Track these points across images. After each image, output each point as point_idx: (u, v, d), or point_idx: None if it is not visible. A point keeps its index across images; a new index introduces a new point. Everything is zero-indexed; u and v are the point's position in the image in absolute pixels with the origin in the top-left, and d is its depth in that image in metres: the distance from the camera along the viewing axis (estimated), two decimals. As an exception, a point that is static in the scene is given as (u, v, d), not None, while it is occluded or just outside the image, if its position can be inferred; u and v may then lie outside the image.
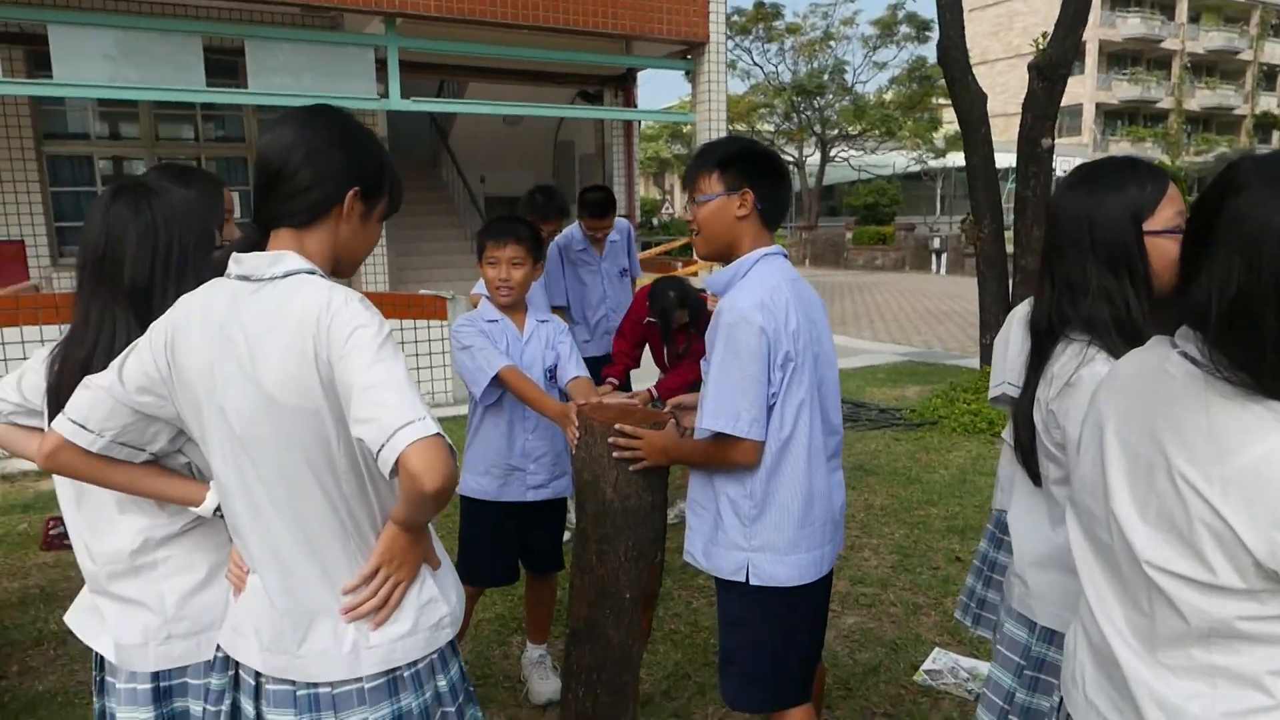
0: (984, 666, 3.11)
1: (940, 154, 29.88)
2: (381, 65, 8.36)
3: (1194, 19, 42.91)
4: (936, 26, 7.41)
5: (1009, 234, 7.51)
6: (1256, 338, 0.98)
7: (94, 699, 1.72)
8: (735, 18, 26.64)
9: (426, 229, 12.55)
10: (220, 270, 1.43)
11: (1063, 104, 7.09)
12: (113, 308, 1.58)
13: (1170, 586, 1.04)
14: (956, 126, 7.70)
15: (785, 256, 2.04)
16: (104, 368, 1.47)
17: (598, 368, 4.00)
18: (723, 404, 1.86)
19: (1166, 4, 42.21)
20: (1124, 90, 41.75)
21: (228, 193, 2.00)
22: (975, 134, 7.22)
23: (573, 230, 4.55)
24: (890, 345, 11.21)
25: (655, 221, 30.97)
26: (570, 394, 2.64)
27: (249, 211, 1.46)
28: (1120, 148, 38.71)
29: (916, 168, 31.49)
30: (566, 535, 3.17)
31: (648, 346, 4.50)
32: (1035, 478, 1.71)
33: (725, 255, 2.03)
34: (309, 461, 1.34)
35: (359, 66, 8.32)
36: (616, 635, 2.21)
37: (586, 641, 2.25)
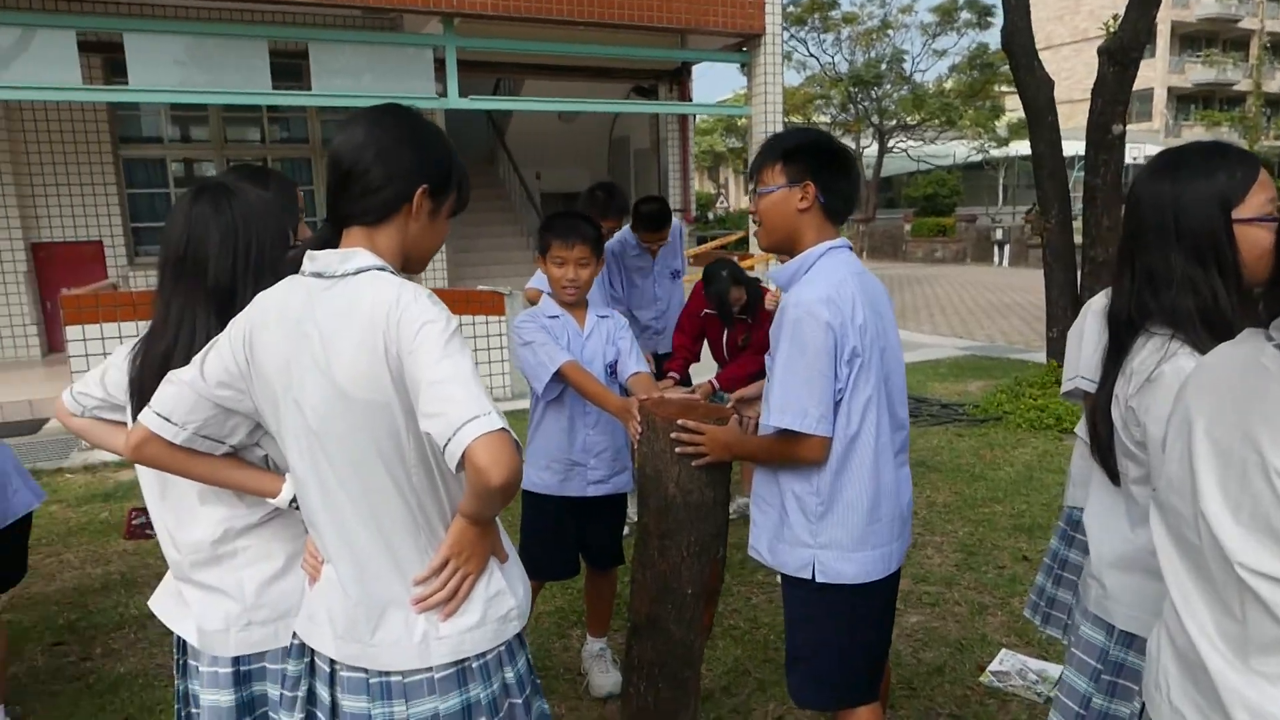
0: (1054, 669, 3.03)
1: (1003, 143, 29.12)
2: (440, 64, 8.49)
3: (1273, -4, 41.06)
4: (999, 11, 7.22)
5: (1076, 224, 7.29)
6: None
7: (176, 680, 1.78)
8: (791, 8, 26.32)
9: (484, 226, 12.71)
10: (295, 268, 1.47)
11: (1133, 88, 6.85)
12: (193, 305, 1.63)
13: (1265, 590, 1.00)
14: (1020, 114, 7.51)
15: (850, 249, 2.01)
16: (184, 363, 1.52)
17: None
18: (789, 400, 1.84)
19: (1244, -18, 40.46)
20: (1198, 73, 40.14)
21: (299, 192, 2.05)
22: (1041, 121, 7.02)
23: (626, 235, 4.52)
24: (951, 339, 10.98)
25: (710, 216, 30.83)
26: (631, 389, 2.64)
27: (311, 210, 1.49)
28: (1193, 133, 37.28)
29: (978, 157, 30.76)
30: (625, 530, 3.19)
31: (706, 341, 4.49)
32: (1114, 476, 1.65)
33: (787, 248, 2.01)
34: (381, 455, 1.36)
35: (418, 66, 8.47)
36: (678, 631, 2.21)
37: (648, 636, 2.25)
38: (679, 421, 2.07)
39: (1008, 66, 7.47)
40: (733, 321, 4.23)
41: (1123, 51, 6.40)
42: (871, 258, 27.07)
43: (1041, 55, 7.33)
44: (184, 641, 1.72)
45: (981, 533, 4.34)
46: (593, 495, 2.79)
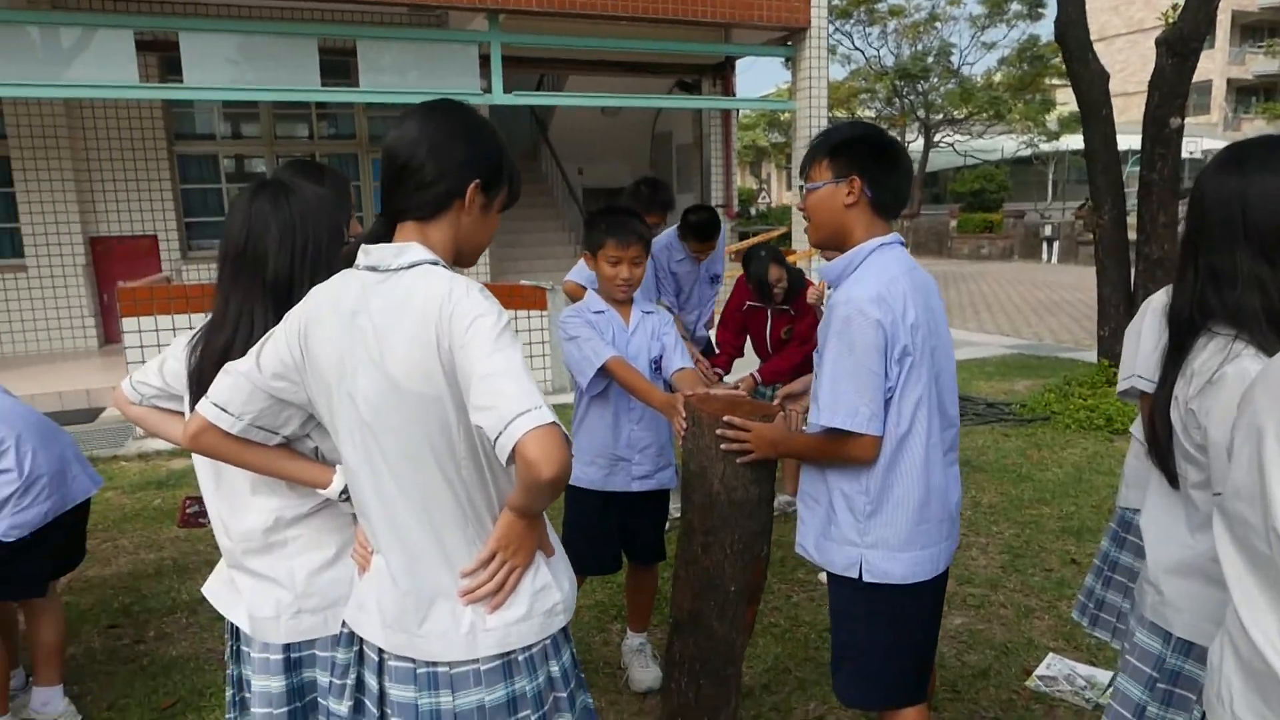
0: (1103, 675, 2.97)
1: (1053, 137, 28.45)
2: (484, 60, 8.56)
3: (1343, -16, 39.52)
4: (1051, 3, 7.07)
5: (1130, 220, 7.11)
6: None
7: (229, 666, 1.82)
8: (836, 2, 26.00)
9: (527, 221, 12.79)
10: (348, 263, 1.49)
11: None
12: (252, 300, 1.66)
13: (1338, 601, 0.97)
14: (1071, 108, 7.35)
15: (903, 245, 1.97)
16: (243, 355, 1.55)
17: None
18: (840, 399, 1.82)
19: (1310, -31, 39.01)
20: (1259, 64, 38.78)
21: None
22: (1096, 115, 6.85)
23: (673, 239, 4.42)
24: (998, 337, 10.79)
25: (752, 211, 30.65)
26: (676, 385, 2.64)
27: (358, 206, 1.51)
28: (1254, 126, 36.05)
29: (1027, 152, 30.09)
30: (667, 525, 3.18)
31: (750, 336, 4.47)
32: (1172, 479, 1.61)
33: (836, 244, 1.99)
34: (432, 447, 1.38)
35: (463, 63, 8.55)
36: (720, 628, 2.20)
37: (690, 633, 2.25)
38: (725, 418, 2.06)
39: (1059, 59, 7.30)
40: (772, 301, 4.20)
41: (1182, 42, 6.22)
42: (916, 254, 26.64)
43: (1095, 47, 7.15)
44: (236, 628, 1.76)
45: (1028, 534, 4.26)
46: (636, 490, 2.80)
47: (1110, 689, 2.78)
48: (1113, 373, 6.66)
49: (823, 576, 3.51)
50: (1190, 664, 1.60)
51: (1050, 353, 9.43)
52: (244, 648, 1.75)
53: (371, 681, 1.49)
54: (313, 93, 8.11)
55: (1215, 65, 37.39)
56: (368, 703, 1.50)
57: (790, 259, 4.76)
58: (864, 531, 1.91)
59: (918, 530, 1.90)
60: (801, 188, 2.02)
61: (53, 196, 9.40)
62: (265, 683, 1.69)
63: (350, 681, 1.52)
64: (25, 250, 9.45)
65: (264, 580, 1.69)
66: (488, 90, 8.51)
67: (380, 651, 1.48)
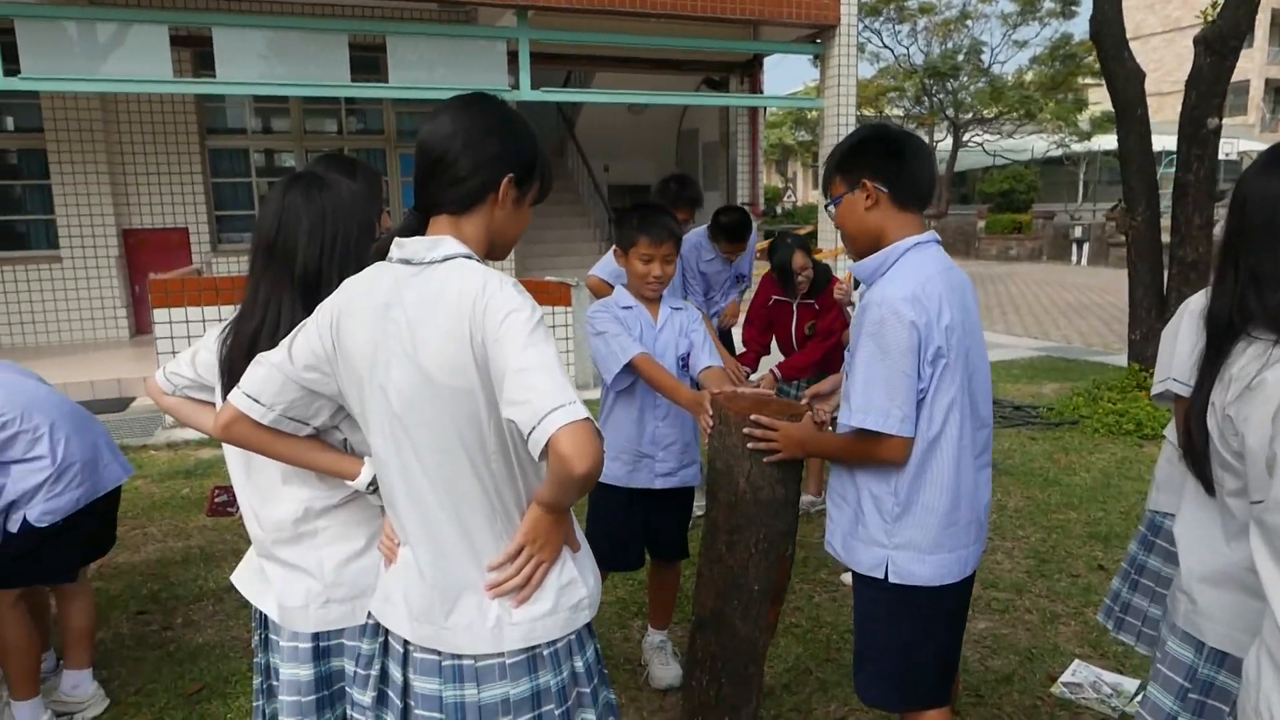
0: (1130, 683, 2.93)
1: (1085, 137, 28.02)
2: (513, 57, 8.58)
3: (1386, -17, 38.57)
4: (1086, 0, 6.96)
5: (1164, 222, 6.99)
6: None
7: (257, 654, 1.84)
8: (866, -1, 25.79)
9: (552, 217, 12.82)
10: (380, 257, 1.50)
11: (1230, 80, 6.52)
12: (280, 290, 1.68)
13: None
14: (1103, 107, 7.24)
15: (939, 244, 1.95)
16: (269, 344, 1.57)
17: None
18: (871, 400, 1.81)
19: (1353, -33, 38.09)
20: (1299, 65, 38.03)
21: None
22: (1130, 115, 6.74)
23: (702, 239, 4.41)
24: (1026, 339, 10.66)
25: (779, 210, 30.50)
26: (703, 383, 2.63)
27: (386, 200, 1.52)
28: (1293, 128, 35.36)
29: (1057, 152, 29.67)
30: (690, 523, 3.18)
31: (775, 333, 4.45)
32: (1208, 486, 1.58)
33: (875, 249, 1.95)
34: (462, 441, 1.38)
35: (491, 59, 8.57)
36: (743, 627, 2.20)
37: (713, 631, 2.24)
38: (752, 416, 2.05)
39: (1093, 57, 7.19)
40: (796, 292, 4.18)
41: (1221, 41, 6.11)
42: (943, 254, 26.30)
43: (1131, 45, 7.04)
44: (265, 616, 1.78)
45: (1055, 539, 4.21)
46: (660, 487, 2.80)
47: (1138, 697, 2.75)
48: (1144, 377, 6.56)
49: (845, 577, 3.49)
50: (1223, 675, 1.58)
51: (1079, 356, 9.31)
52: (273, 636, 1.76)
53: (396, 673, 1.50)
54: (343, 88, 8.17)
55: (1253, 65, 36.66)
56: (391, 694, 1.51)
57: (816, 257, 4.73)
58: (891, 533, 1.89)
59: (946, 533, 1.88)
60: (827, 207, 2.02)
61: (87, 189, 9.55)
62: (294, 671, 1.71)
63: (374, 672, 1.53)
64: (60, 242, 9.61)
65: (294, 570, 1.71)
66: (515, 86, 8.53)
67: (406, 643, 1.49)
